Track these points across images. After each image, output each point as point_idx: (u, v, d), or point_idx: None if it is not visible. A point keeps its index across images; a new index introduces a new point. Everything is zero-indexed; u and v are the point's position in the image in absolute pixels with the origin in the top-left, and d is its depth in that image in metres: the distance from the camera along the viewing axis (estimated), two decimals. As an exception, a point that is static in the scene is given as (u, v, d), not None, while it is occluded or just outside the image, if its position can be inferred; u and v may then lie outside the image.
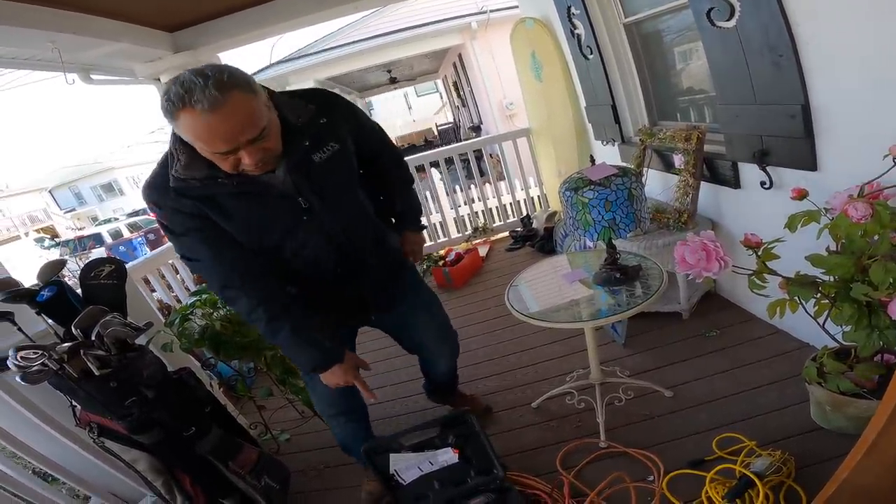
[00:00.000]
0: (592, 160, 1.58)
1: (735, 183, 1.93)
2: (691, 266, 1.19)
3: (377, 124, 1.50)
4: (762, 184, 1.73)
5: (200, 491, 1.67)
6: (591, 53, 2.69)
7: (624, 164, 1.83)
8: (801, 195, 1.35)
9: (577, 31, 2.76)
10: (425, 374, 1.95)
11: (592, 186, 1.43)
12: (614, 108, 2.73)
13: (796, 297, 1.26)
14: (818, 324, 1.31)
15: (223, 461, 1.69)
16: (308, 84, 8.03)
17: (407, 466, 1.48)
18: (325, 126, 1.20)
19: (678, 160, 2.15)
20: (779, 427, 1.55)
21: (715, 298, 2.36)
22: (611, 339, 2.29)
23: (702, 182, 2.10)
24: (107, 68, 3.23)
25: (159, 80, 3.39)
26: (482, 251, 3.90)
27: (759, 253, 1.26)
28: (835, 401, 1.38)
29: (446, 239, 4.34)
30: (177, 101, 0.92)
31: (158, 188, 1.11)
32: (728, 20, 1.57)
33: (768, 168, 1.69)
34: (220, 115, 0.93)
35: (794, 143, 1.53)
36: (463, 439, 1.52)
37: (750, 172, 1.81)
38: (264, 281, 1.22)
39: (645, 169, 2.42)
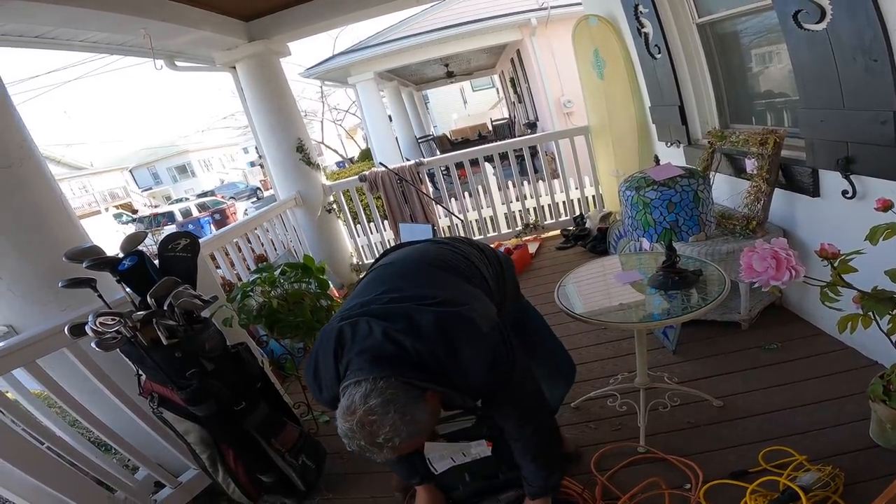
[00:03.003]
0: (657, 160, 1.54)
1: (813, 191, 1.82)
2: (758, 274, 1.14)
3: (524, 384, 1.22)
4: (844, 193, 1.62)
5: (242, 466, 1.75)
6: (660, 53, 2.60)
7: (690, 167, 1.75)
8: (887, 206, 1.26)
9: (644, 30, 2.68)
10: None
11: (656, 186, 1.39)
12: (682, 108, 2.63)
13: (870, 313, 1.19)
14: (891, 341, 1.23)
15: (266, 438, 1.76)
16: (367, 75, 8.22)
17: (440, 456, 1.46)
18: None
19: (750, 165, 2.04)
20: (833, 443, 1.48)
21: (779, 310, 2.23)
22: (661, 345, 2.22)
23: (775, 189, 1.99)
24: (190, 55, 3.48)
25: (234, 68, 3.59)
26: (532, 248, 3.87)
27: (836, 264, 1.18)
28: (898, 419, 1.30)
29: (496, 234, 4.34)
30: (357, 451, 1.00)
31: None
32: (818, 23, 1.49)
33: (852, 176, 1.59)
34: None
35: (883, 152, 1.43)
36: (498, 432, 1.50)
37: (831, 180, 1.71)
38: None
39: (712, 173, 2.32)
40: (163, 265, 1.74)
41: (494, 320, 1.13)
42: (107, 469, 1.70)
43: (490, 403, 1.17)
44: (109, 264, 1.60)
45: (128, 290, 1.65)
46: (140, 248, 1.74)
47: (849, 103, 1.50)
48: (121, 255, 1.66)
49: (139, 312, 1.51)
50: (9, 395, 1.62)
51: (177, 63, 3.39)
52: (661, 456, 1.60)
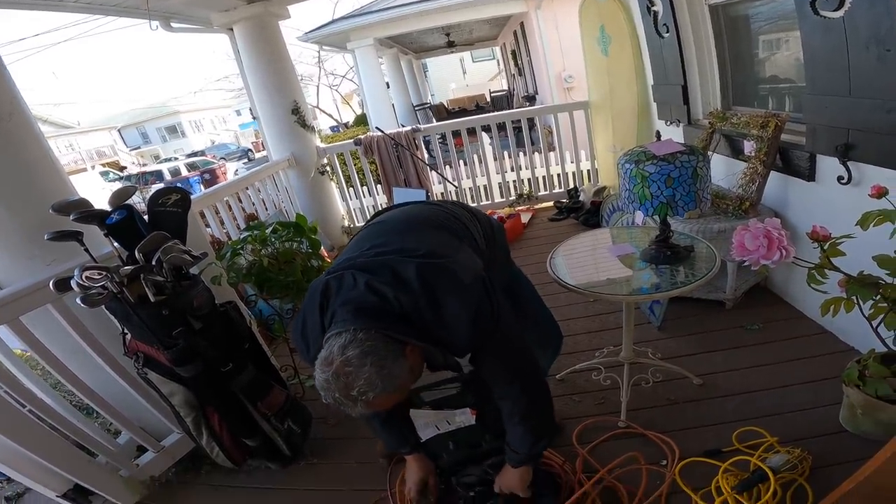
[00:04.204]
0: (658, 135, 1.53)
1: (809, 175, 1.83)
2: (749, 252, 1.15)
3: (513, 347, 1.21)
4: (839, 178, 1.63)
5: (226, 429, 1.73)
6: (668, 32, 2.55)
7: (691, 144, 1.75)
8: (881, 193, 1.28)
9: (654, 8, 2.62)
10: None
11: (655, 161, 1.39)
12: (685, 88, 2.61)
13: (854, 297, 1.21)
14: (871, 326, 1.26)
15: (252, 401, 1.74)
16: (367, 42, 7.98)
17: (425, 424, 1.45)
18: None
19: (748, 147, 2.04)
20: (804, 426, 1.53)
21: (764, 292, 2.27)
22: (646, 320, 2.26)
23: (771, 171, 2.00)
24: (186, 16, 3.36)
25: (232, 29, 3.46)
26: (524, 218, 3.87)
27: (825, 247, 1.20)
28: (868, 404, 1.35)
29: (489, 202, 4.33)
30: (333, 404, 0.99)
31: None
32: (835, 10, 1.47)
33: (849, 163, 1.59)
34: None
35: (885, 140, 1.44)
36: (482, 401, 1.51)
37: (828, 166, 1.72)
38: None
39: (710, 153, 2.32)
40: (152, 220, 1.68)
41: (478, 273, 1.12)
42: (88, 433, 1.66)
43: (476, 359, 1.17)
44: (97, 217, 1.54)
45: (115, 244, 1.60)
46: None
47: (856, 91, 1.50)
48: (109, 210, 1.60)
49: (126, 267, 1.46)
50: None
51: (172, 24, 3.27)
52: (641, 431, 1.64)
